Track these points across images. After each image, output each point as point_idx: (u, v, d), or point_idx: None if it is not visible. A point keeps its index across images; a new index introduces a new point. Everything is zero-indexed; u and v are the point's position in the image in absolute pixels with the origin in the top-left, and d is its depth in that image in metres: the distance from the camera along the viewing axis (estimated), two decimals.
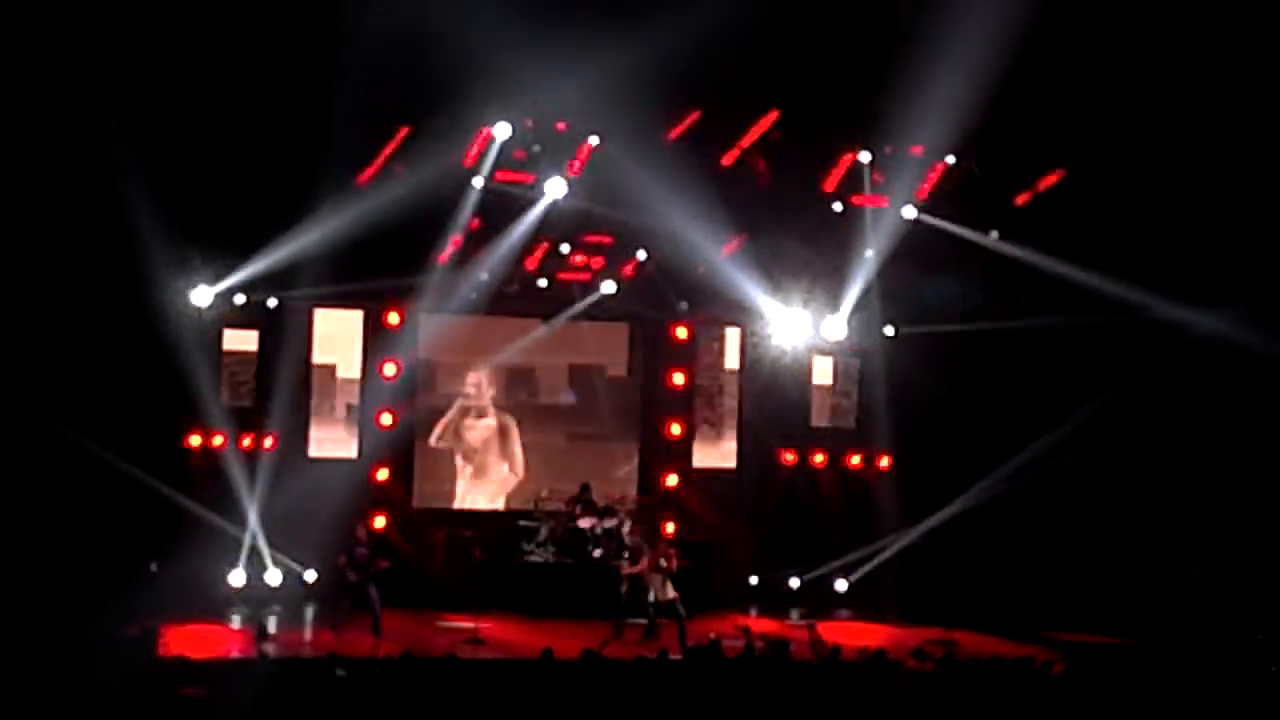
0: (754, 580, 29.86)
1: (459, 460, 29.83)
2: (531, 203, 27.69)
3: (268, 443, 27.72)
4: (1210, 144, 26.54)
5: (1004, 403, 28.94)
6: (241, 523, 27.13)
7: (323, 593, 27.07)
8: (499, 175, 27.43)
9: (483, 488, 29.93)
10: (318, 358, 28.78)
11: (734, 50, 25.05)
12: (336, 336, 28.93)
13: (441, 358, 29.58)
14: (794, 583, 29.77)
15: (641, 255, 29.35)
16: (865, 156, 28.52)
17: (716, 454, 30.86)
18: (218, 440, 27.41)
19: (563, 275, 29.48)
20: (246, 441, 27.59)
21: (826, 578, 29.73)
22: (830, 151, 28.67)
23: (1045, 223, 28.28)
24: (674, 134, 27.29)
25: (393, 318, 28.63)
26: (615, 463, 30.46)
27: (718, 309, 29.92)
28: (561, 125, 27.18)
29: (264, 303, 27.70)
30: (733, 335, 30.86)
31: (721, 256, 28.56)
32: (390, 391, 28.54)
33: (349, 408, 28.95)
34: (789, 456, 30.60)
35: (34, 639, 19.94)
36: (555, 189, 27.44)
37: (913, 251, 28.67)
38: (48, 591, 23.11)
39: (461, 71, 24.99)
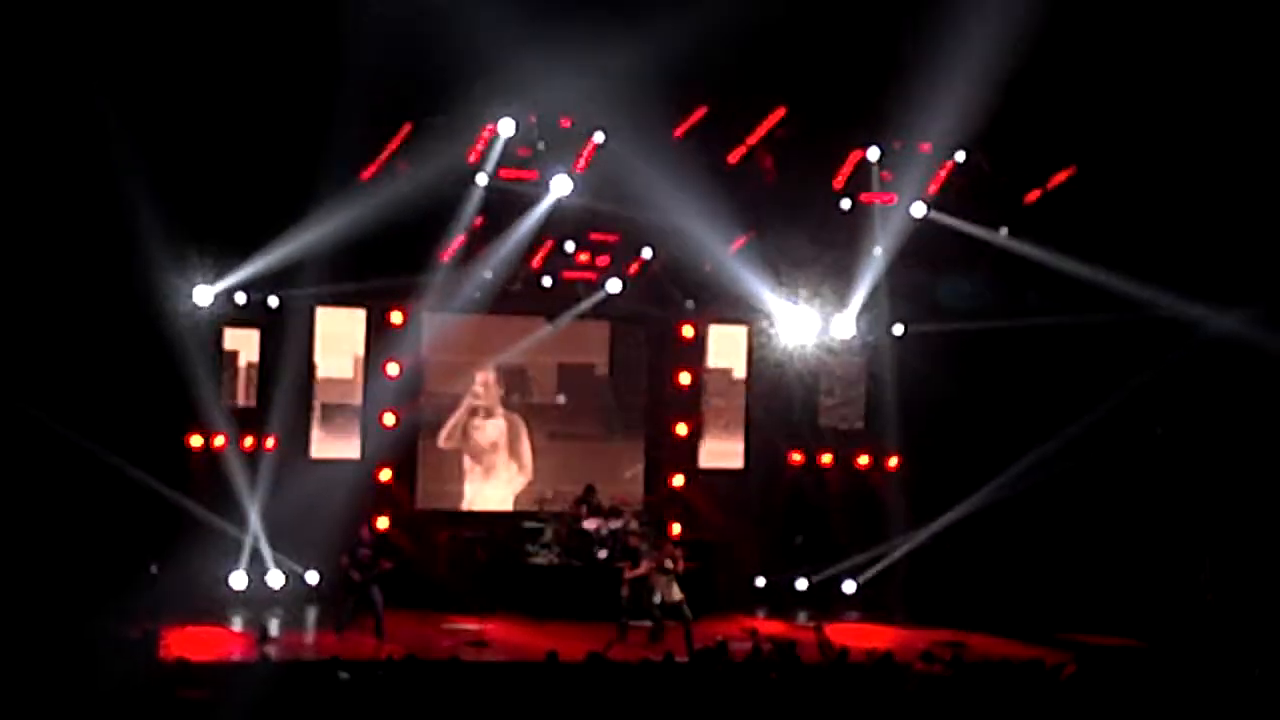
0: (761, 582, 29.74)
1: (467, 461, 29.71)
2: (536, 200, 27.60)
3: (269, 443, 27.57)
4: (1222, 141, 26.46)
5: (1014, 402, 28.83)
6: (243, 524, 27.02)
7: (325, 594, 26.94)
8: (503, 172, 27.36)
9: (491, 488, 29.79)
10: (320, 357, 28.62)
11: (741, 46, 25.00)
12: (339, 336, 28.79)
13: (445, 357, 29.41)
14: (801, 584, 29.61)
15: (647, 253, 29.25)
16: (874, 153, 28.44)
17: (723, 454, 30.70)
18: (219, 441, 27.29)
19: (568, 274, 29.36)
20: (248, 442, 27.48)
21: (834, 579, 29.58)
22: (838, 148, 28.60)
23: (1055, 220, 28.22)
24: (680, 131, 27.25)
25: (396, 317, 28.49)
26: (622, 463, 30.27)
27: (724, 308, 29.75)
28: (566, 122, 27.11)
29: (265, 302, 27.56)
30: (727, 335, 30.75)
31: (728, 254, 28.46)
32: (393, 391, 28.41)
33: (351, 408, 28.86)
34: (796, 456, 30.48)
35: (35, 640, 19.96)
36: (560, 186, 27.34)
37: (921, 249, 28.61)
38: (48, 593, 23.07)
39: (465, 68, 24.99)
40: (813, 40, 25.74)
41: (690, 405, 30.47)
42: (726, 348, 30.76)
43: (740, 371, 30.75)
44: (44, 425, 25.02)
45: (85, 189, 24.83)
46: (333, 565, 25.77)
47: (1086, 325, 27.72)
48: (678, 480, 30.17)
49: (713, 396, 30.76)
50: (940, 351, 29.16)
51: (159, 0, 24.08)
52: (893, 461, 30.35)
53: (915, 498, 29.51)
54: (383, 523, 27.38)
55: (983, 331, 28.53)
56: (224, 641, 24.67)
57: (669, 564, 25.09)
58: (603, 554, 27.67)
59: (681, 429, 30.22)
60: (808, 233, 28.93)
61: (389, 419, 28.35)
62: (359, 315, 28.72)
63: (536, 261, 28.92)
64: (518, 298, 29.09)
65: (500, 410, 29.79)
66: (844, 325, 29.41)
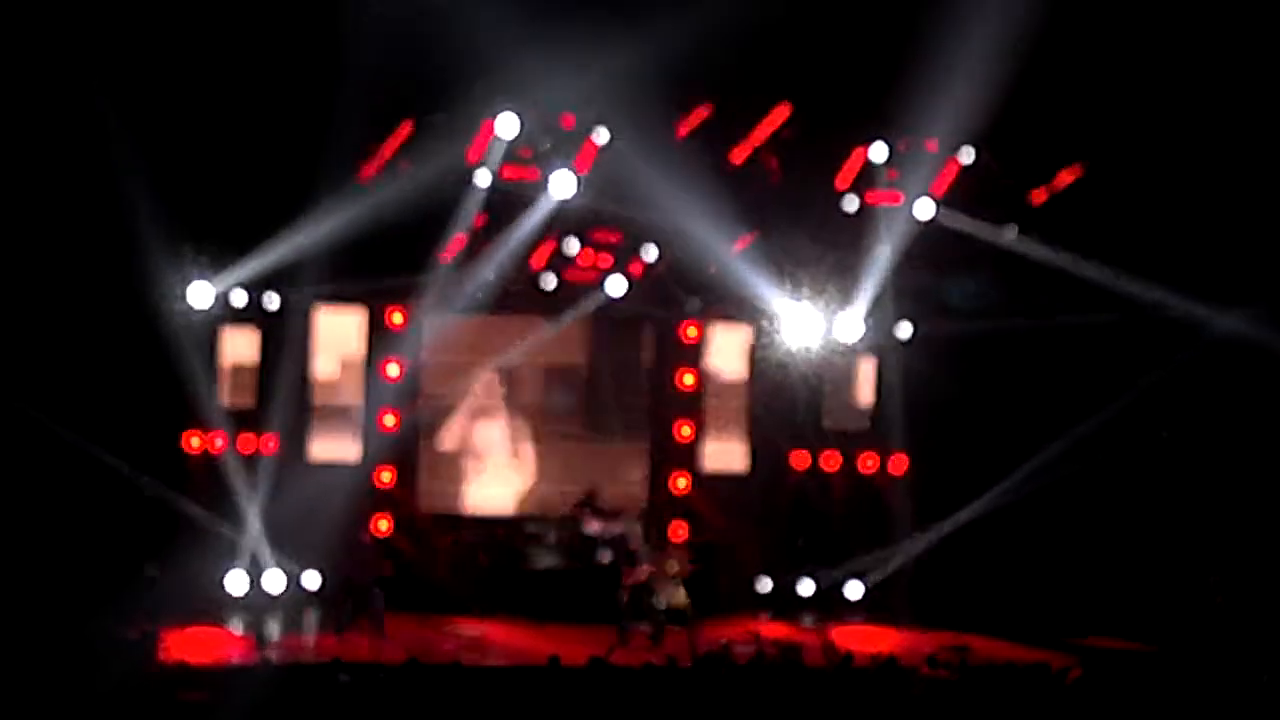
0: (764, 585, 29.61)
1: (468, 462, 29.61)
2: (537, 200, 27.50)
3: (269, 444, 27.48)
4: (1229, 141, 26.43)
5: (1020, 404, 28.73)
6: (242, 526, 26.91)
7: (325, 597, 26.87)
8: (504, 172, 27.28)
9: (492, 490, 29.67)
10: (319, 358, 28.56)
11: (744, 45, 24.94)
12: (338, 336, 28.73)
13: (445, 358, 29.30)
14: (805, 587, 29.49)
15: (650, 254, 29.11)
16: (879, 153, 28.31)
17: (726, 456, 30.59)
18: (218, 442, 27.20)
19: (569, 274, 29.23)
20: (247, 443, 27.36)
21: (839, 582, 29.46)
22: (843, 148, 28.52)
23: (1062, 220, 28.14)
24: (683, 130, 27.22)
25: (396, 317, 28.37)
26: (624, 466, 30.17)
27: (728, 308, 29.65)
28: (568, 121, 27.08)
29: (264, 302, 27.47)
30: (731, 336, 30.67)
31: (732, 255, 28.34)
32: (393, 392, 28.31)
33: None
34: (800, 459, 30.34)
35: (34, 642, 20.02)
36: (562, 186, 27.22)
37: (927, 249, 28.53)
38: (47, 595, 23.12)
39: (466, 67, 24.94)
40: (817, 39, 25.69)
41: (693, 407, 30.36)
42: (730, 348, 30.64)
43: (744, 373, 30.64)
44: (41, 426, 25.02)
45: (84, 188, 24.86)
46: (333, 568, 25.73)
47: (1093, 326, 27.66)
48: (680, 483, 30.05)
49: (716, 398, 30.65)
50: (946, 352, 29.06)
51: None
52: (898, 464, 30.23)
53: (920, 500, 29.40)
54: (383, 525, 27.31)
55: (989, 332, 28.44)
56: (223, 644, 24.61)
57: (671, 567, 25.01)
58: (605, 557, 27.56)
59: (685, 431, 30.11)
60: (812, 233, 28.83)
61: (389, 420, 28.25)
62: (359, 315, 28.59)
63: (538, 262, 28.82)
64: (519, 298, 28.98)
65: (501, 411, 29.68)
66: (849, 326, 29.28)
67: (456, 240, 27.54)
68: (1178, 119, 26.28)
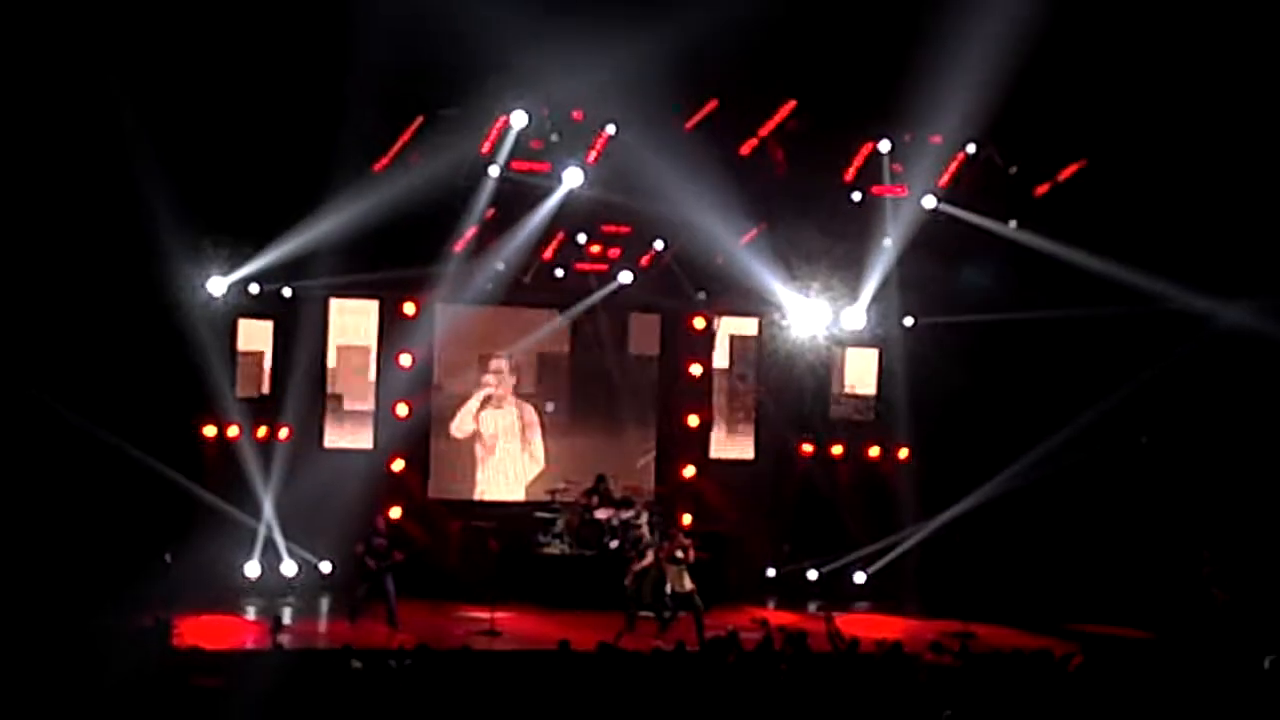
0: (771, 572, 29.76)
1: (479, 450, 29.76)
2: (548, 192, 27.62)
3: (283, 433, 27.64)
4: (1231, 134, 26.42)
5: (1024, 394, 28.85)
6: (256, 513, 27.06)
7: (338, 583, 27.00)
8: (515, 164, 27.34)
9: (503, 477, 29.85)
10: (333, 347, 28.74)
11: (752, 39, 24.84)
12: (352, 326, 28.90)
13: (457, 348, 29.43)
14: (812, 575, 29.64)
15: (659, 245, 29.26)
16: (884, 146, 28.42)
17: (734, 445, 30.75)
18: (233, 430, 27.32)
19: (579, 265, 29.39)
20: (261, 432, 27.53)
21: (845, 570, 29.62)
22: (849, 141, 28.58)
23: (1065, 213, 28.18)
24: (691, 123, 27.19)
25: (409, 308, 28.53)
26: (633, 454, 30.32)
27: (735, 299, 29.79)
28: (579, 114, 27.08)
29: (279, 292, 27.62)
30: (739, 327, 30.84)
31: (739, 247, 28.46)
32: (406, 382, 28.47)
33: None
34: (807, 447, 30.50)
35: (49, 629, 20.02)
36: (572, 178, 27.35)
37: (932, 241, 28.60)
38: (62, 582, 23.19)
39: (478, 60, 24.89)
40: (823, 33, 25.64)
41: (701, 396, 30.51)
42: (738, 339, 30.80)
43: (751, 363, 30.79)
44: (60, 415, 25.09)
45: (101, 181, 24.88)
46: (346, 554, 25.85)
47: (1096, 318, 27.70)
48: (689, 471, 30.22)
49: (723, 388, 30.79)
50: (950, 343, 29.21)
51: None
52: (903, 453, 30.35)
53: (925, 489, 29.51)
54: (395, 512, 27.41)
55: (993, 323, 28.54)
56: (237, 630, 24.75)
57: (680, 554, 25.09)
58: (614, 544, 27.73)
59: (693, 420, 30.26)
60: (818, 225, 28.93)
61: (402, 409, 28.43)
62: (372, 306, 28.77)
63: (548, 253, 28.97)
64: (529, 289, 29.13)
65: (512, 399, 29.84)
66: (855, 317, 29.42)
67: (468, 232, 27.69)
68: (1180, 112, 26.27)
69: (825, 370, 30.65)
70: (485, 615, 25.19)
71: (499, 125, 26.89)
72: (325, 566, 27.56)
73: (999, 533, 28.91)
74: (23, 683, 17.56)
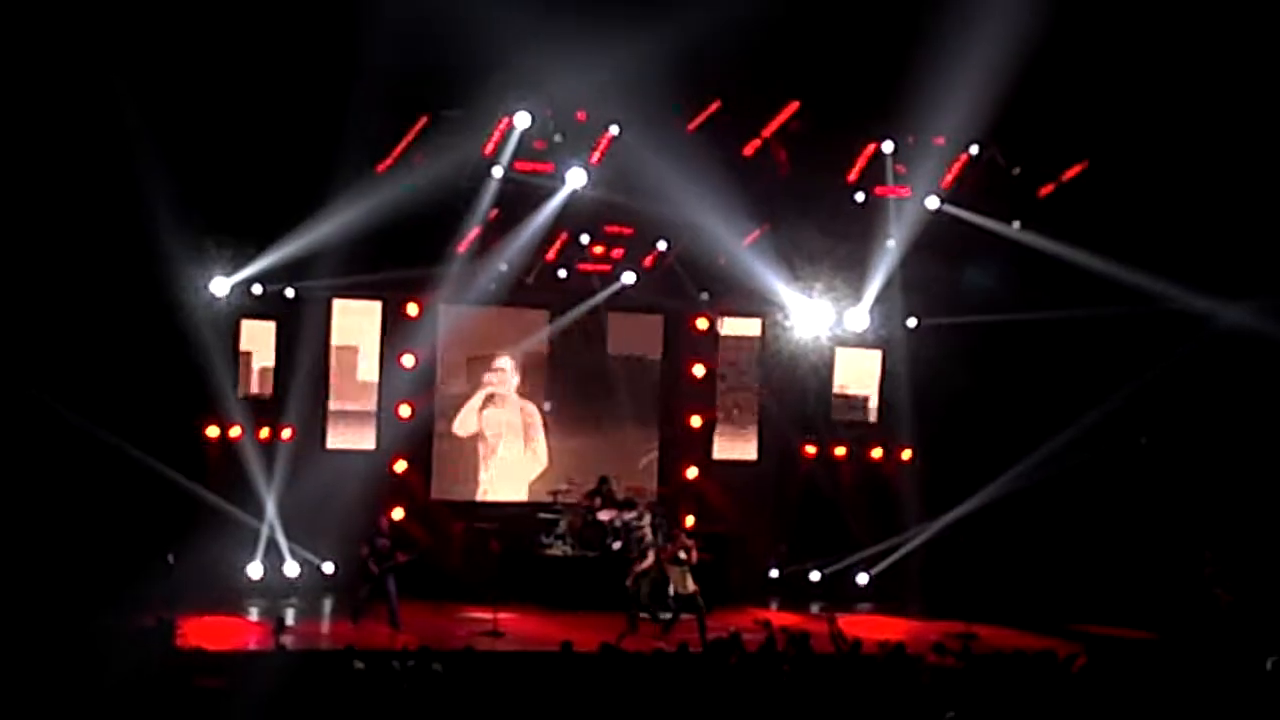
0: (774, 573, 29.77)
1: (482, 449, 29.75)
2: (551, 193, 27.63)
3: (285, 434, 27.63)
4: (1233, 134, 26.43)
5: (1027, 395, 28.87)
6: (259, 514, 27.06)
7: (341, 584, 27.02)
8: (518, 165, 27.35)
9: (505, 477, 29.84)
10: (336, 348, 28.73)
11: (754, 40, 24.86)
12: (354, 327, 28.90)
13: (460, 349, 29.44)
14: (814, 576, 29.65)
15: (662, 246, 29.27)
16: (888, 146, 28.45)
17: (736, 446, 30.75)
18: (235, 431, 27.31)
19: (582, 266, 29.40)
20: (264, 432, 27.52)
21: (847, 571, 29.62)
22: (852, 142, 28.62)
23: (1068, 214, 28.18)
24: (694, 124, 27.21)
25: (411, 308, 28.53)
26: (635, 454, 30.32)
27: (738, 300, 29.79)
28: (582, 115, 27.11)
29: (282, 293, 27.60)
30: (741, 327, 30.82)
31: (742, 247, 28.48)
32: (409, 383, 28.47)
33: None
34: (810, 448, 30.51)
35: (51, 629, 20.03)
36: (575, 179, 27.36)
37: (935, 242, 28.61)
38: (65, 582, 23.18)
39: (481, 61, 24.89)
40: (826, 34, 25.66)
41: (704, 397, 30.51)
42: (740, 340, 30.79)
43: (754, 364, 30.79)
44: (62, 415, 25.09)
45: (104, 181, 24.85)
46: (349, 555, 25.86)
47: (1099, 318, 27.69)
48: (691, 472, 30.23)
49: (726, 389, 30.80)
50: (954, 344, 29.21)
51: None
52: (906, 454, 30.37)
53: (928, 490, 29.54)
54: (398, 513, 27.41)
55: (996, 324, 28.55)
56: (240, 630, 24.78)
57: (682, 555, 25.09)
58: (616, 545, 27.73)
59: (695, 421, 30.27)
60: (821, 226, 28.95)
61: (404, 410, 28.43)
62: (375, 307, 28.77)
63: (551, 254, 28.98)
64: (532, 290, 29.14)
65: (515, 398, 29.83)
66: (857, 318, 29.43)
67: (471, 232, 27.69)
68: (1182, 113, 26.29)
69: (828, 371, 30.65)
70: (488, 616, 25.20)
71: (502, 126, 26.89)
72: (328, 567, 27.56)
73: (1002, 534, 28.91)
74: (26, 683, 17.56)
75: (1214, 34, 25.25)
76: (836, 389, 31.00)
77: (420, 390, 28.72)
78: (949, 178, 28.55)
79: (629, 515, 27.90)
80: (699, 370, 30.35)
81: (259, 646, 23.20)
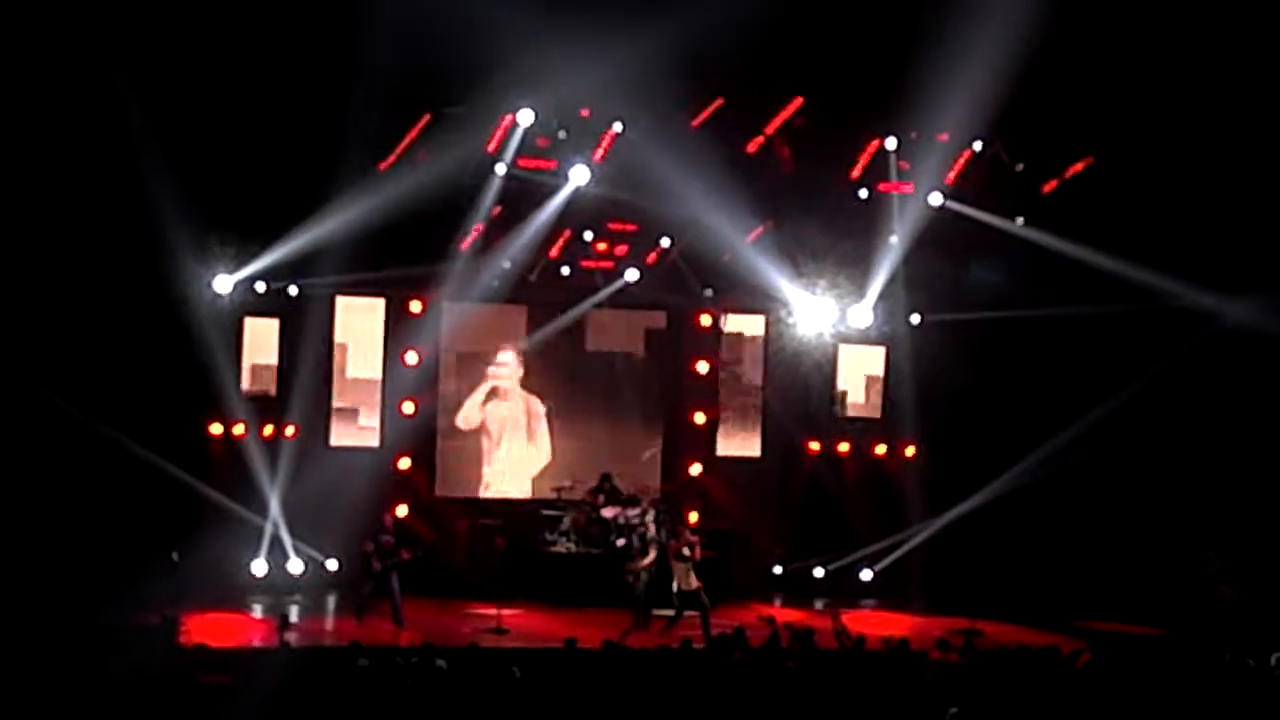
0: (778, 570, 29.78)
1: (485, 442, 29.76)
2: (554, 190, 27.65)
3: (289, 431, 27.64)
4: (1239, 131, 26.39)
5: (1031, 391, 28.86)
6: (263, 511, 27.08)
7: (345, 581, 27.04)
8: (522, 162, 27.38)
9: (508, 471, 29.85)
10: (339, 346, 28.73)
11: (757, 36, 24.85)
12: (358, 325, 28.89)
13: (463, 346, 29.44)
14: (819, 572, 29.65)
15: (665, 243, 29.27)
16: (891, 143, 28.45)
17: (740, 442, 30.75)
18: (239, 428, 27.34)
19: (586, 263, 29.40)
20: (268, 430, 27.54)
21: (852, 567, 29.62)
22: (855, 138, 28.62)
23: (1073, 210, 28.17)
24: (698, 121, 27.23)
25: (415, 306, 28.54)
26: (639, 449, 30.33)
27: (742, 297, 29.79)
28: (585, 112, 27.13)
29: (285, 290, 27.61)
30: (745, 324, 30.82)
31: (746, 244, 28.50)
32: (412, 380, 28.47)
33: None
34: (814, 445, 30.51)
35: (56, 627, 20.04)
36: (578, 176, 27.36)
37: (939, 239, 28.61)
38: (69, 580, 23.22)
39: (484, 58, 24.89)
40: (829, 30, 25.65)
41: (708, 394, 30.52)
42: (744, 337, 30.79)
43: (758, 360, 30.79)
44: (65, 413, 25.12)
45: (107, 179, 24.89)
46: (352, 552, 25.88)
47: (1104, 315, 27.67)
48: (695, 469, 30.24)
49: (730, 385, 30.79)
50: (957, 341, 29.22)
51: None
52: (910, 450, 30.37)
53: (932, 486, 29.52)
54: (402, 510, 27.43)
55: (1000, 321, 28.54)
56: (244, 628, 24.83)
57: (686, 552, 25.08)
58: (620, 542, 27.73)
59: (699, 417, 30.27)
60: (825, 222, 28.93)
61: (408, 408, 28.44)
62: (378, 304, 28.77)
63: (555, 251, 28.98)
64: (536, 287, 29.14)
65: (519, 391, 29.84)
66: (861, 314, 29.43)
67: (475, 230, 27.70)
68: (1187, 109, 26.26)
69: (831, 368, 30.64)
70: (492, 613, 25.21)
71: (505, 123, 26.93)
72: (332, 564, 27.59)
73: (1006, 530, 28.90)
74: (30, 680, 17.55)
75: (1218, 29, 25.21)
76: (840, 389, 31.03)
77: (424, 388, 28.72)
78: (952, 174, 28.55)
79: (633, 512, 27.89)
80: (703, 367, 30.34)
81: (263, 644, 23.26)
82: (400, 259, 27.33)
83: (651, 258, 29.45)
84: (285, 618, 23.89)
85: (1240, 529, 27.49)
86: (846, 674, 19.04)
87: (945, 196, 28.51)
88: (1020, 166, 28.60)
